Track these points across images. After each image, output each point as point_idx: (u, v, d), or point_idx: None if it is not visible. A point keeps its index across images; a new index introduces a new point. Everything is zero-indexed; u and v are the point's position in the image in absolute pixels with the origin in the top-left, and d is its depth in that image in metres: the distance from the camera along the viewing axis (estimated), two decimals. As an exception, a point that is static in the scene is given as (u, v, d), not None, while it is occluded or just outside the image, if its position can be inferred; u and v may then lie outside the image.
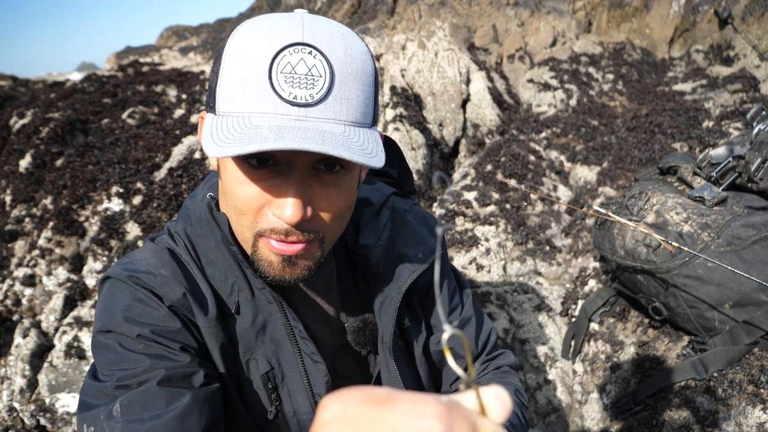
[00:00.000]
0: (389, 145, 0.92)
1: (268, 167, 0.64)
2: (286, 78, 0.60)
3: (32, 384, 2.04)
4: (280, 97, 0.60)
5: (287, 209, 0.63)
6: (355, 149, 0.60)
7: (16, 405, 2.00)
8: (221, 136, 0.59)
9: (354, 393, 0.30)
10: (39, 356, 2.12)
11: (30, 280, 2.35)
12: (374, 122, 0.70)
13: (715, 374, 1.48)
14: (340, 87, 0.61)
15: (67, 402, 1.96)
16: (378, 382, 0.88)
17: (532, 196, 2.98)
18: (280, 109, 0.60)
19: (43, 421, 1.95)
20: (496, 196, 2.97)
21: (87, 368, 2.04)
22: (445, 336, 0.31)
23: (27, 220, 2.67)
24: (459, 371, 0.31)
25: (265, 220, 0.66)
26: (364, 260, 0.85)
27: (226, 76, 0.62)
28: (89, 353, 2.08)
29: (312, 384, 0.79)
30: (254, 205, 0.65)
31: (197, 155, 2.82)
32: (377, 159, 0.62)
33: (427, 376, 0.93)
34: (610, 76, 4.81)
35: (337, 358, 0.88)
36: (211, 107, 0.65)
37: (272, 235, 0.66)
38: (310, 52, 0.60)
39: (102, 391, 0.66)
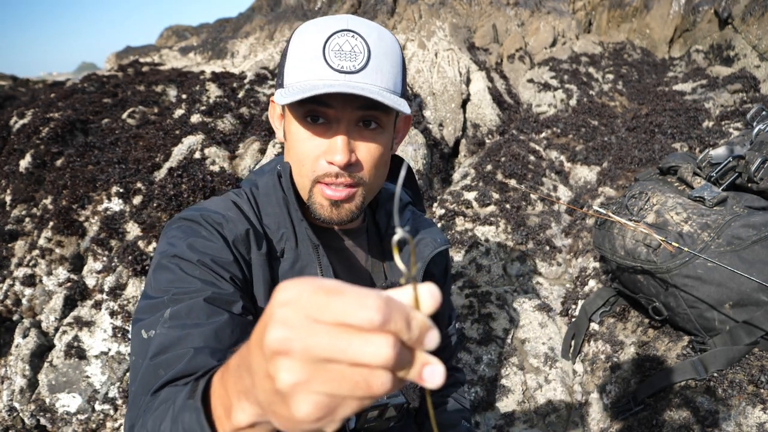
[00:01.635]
0: (401, 166, 1.04)
1: (321, 124, 0.83)
2: (335, 54, 0.81)
3: (32, 384, 2.04)
4: (331, 67, 0.80)
5: (337, 154, 0.81)
6: (388, 99, 0.79)
7: (16, 405, 2.00)
8: (290, 93, 0.79)
9: (308, 281, 0.34)
10: (39, 356, 2.12)
11: (30, 280, 2.35)
12: (403, 95, 0.89)
13: (715, 374, 1.48)
14: (375, 60, 0.82)
15: (67, 402, 1.96)
16: None
17: (532, 196, 2.98)
18: (331, 75, 0.80)
19: (43, 421, 1.95)
20: (496, 196, 2.97)
21: (87, 368, 2.04)
22: (395, 237, 0.36)
23: (27, 220, 2.67)
24: (401, 266, 0.36)
25: (320, 167, 0.84)
26: (391, 235, 1.01)
27: (290, 57, 0.84)
28: (89, 353, 2.08)
29: None
30: (311, 155, 0.84)
31: (197, 155, 2.82)
32: (405, 107, 0.82)
33: (441, 351, 1.09)
34: (610, 76, 4.81)
35: None
36: (280, 84, 0.86)
37: (325, 179, 0.85)
38: (352, 36, 0.82)
39: (156, 306, 0.77)
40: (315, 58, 0.81)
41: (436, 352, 0.98)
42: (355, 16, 0.88)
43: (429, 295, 0.36)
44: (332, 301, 0.33)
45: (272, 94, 0.91)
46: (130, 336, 0.79)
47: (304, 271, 0.91)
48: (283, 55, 0.88)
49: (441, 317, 1.16)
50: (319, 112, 0.82)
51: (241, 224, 0.88)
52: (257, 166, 1.05)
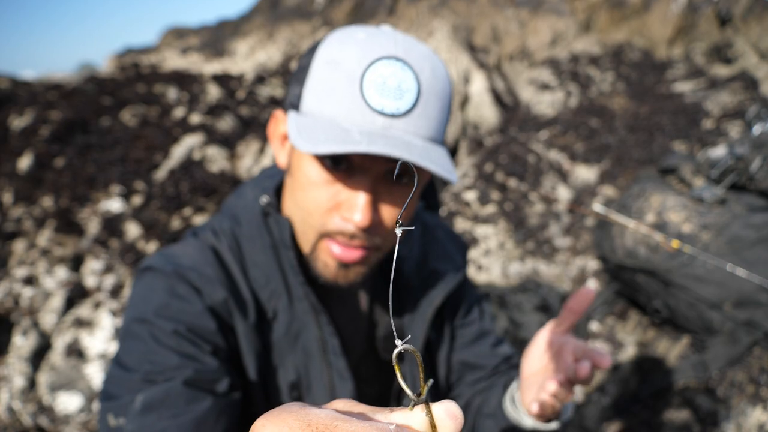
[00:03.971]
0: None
1: (342, 170, 0.66)
2: (377, 88, 0.63)
3: (32, 384, 2.04)
4: (369, 105, 0.63)
5: (357, 212, 0.65)
6: (437, 162, 0.63)
7: (15, 405, 2.00)
8: (312, 135, 0.62)
9: (291, 417, 0.27)
10: (38, 356, 2.12)
11: (30, 280, 2.35)
12: (444, 141, 0.73)
13: (715, 374, 1.48)
14: (424, 103, 0.65)
15: (67, 402, 1.96)
16: (400, 389, 0.89)
17: (533, 196, 2.98)
18: (368, 117, 0.63)
19: (42, 421, 1.95)
20: (496, 196, 2.97)
21: (87, 368, 2.04)
22: (396, 351, 0.30)
23: (27, 220, 2.67)
24: (407, 390, 0.30)
25: (333, 222, 0.68)
26: (398, 270, 0.86)
27: (316, 78, 0.66)
28: (89, 353, 2.08)
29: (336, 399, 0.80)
30: (324, 206, 0.67)
31: (197, 155, 2.82)
32: (454, 175, 0.64)
33: (444, 385, 0.94)
34: (610, 76, 4.81)
35: (362, 363, 0.88)
36: (293, 106, 0.68)
37: (338, 237, 0.68)
38: (401, 67, 0.64)
39: (128, 383, 0.67)
40: (350, 88, 0.63)
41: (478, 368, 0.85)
42: (404, 34, 0.69)
43: (447, 416, 0.30)
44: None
45: (274, 106, 0.77)
46: (98, 412, 0.69)
47: (300, 335, 0.78)
48: (303, 67, 0.69)
49: (480, 334, 0.95)
50: (346, 156, 0.65)
51: (221, 288, 0.73)
52: (252, 177, 0.89)
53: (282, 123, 0.74)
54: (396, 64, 0.64)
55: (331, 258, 0.71)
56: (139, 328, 0.70)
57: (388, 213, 0.68)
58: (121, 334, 0.72)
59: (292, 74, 0.72)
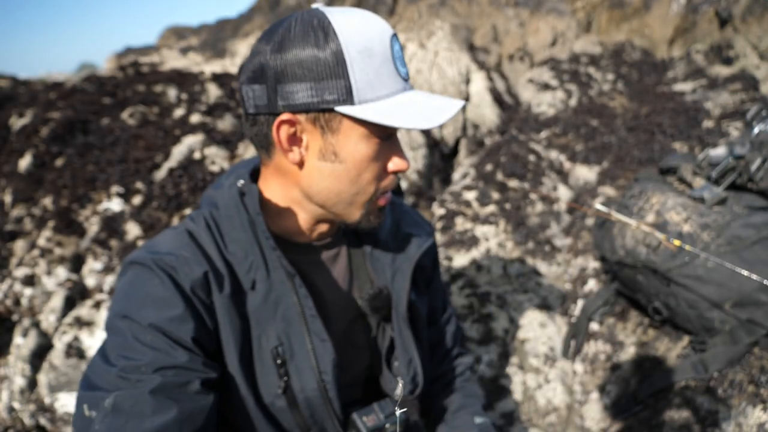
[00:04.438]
0: None
1: (386, 142, 0.80)
2: (398, 61, 0.77)
3: (32, 384, 2.04)
4: (402, 77, 0.78)
5: (406, 161, 0.82)
6: (453, 101, 0.81)
7: (15, 405, 2.00)
8: (404, 114, 0.73)
9: None
10: (39, 356, 2.12)
11: (30, 280, 2.35)
12: None
13: (715, 374, 1.48)
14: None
15: (67, 402, 1.96)
16: (390, 350, 0.96)
17: (532, 196, 2.98)
18: (401, 85, 0.78)
19: (42, 421, 1.95)
20: (496, 196, 2.97)
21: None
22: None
23: (27, 220, 2.67)
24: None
25: (386, 180, 0.83)
26: (374, 239, 0.96)
27: (359, 70, 0.73)
28: (89, 353, 2.08)
29: (319, 362, 0.83)
30: (379, 171, 0.81)
31: (197, 155, 2.82)
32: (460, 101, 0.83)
33: (427, 347, 1.03)
34: (610, 76, 4.81)
35: (351, 329, 0.94)
36: (339, 102, 0.74)
37: (389, 188, 0.84)
38: (397, 39, 0.78)
39: (106, 375, 0.71)
40: (389, 68, 0.76)
41: (435, 347, 1.01)
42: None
43: None
44: None
45: (275, 113, 0.78)
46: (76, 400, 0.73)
47: (279, 303, 0.83)
48: (340, 64, 0.73)
49: (434, 310, 1.11)
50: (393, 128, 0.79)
51: (198, 266, 0.78)
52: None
53: (295, 124, 0.77)
54: (395, 37, 0.77)
55: (379, 210, 0.85)
56: (121, 323, 0.74)
57: None
58: (105, 327, 0.77)
59: (285, 76, 0.74)
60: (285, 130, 0.77)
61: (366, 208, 0.83)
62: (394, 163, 0.82)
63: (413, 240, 0.98)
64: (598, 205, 1.74)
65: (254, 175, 0.92)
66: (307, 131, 0.77)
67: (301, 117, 0.76)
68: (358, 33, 0.73)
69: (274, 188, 0.86)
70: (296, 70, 0.73)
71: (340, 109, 0.74)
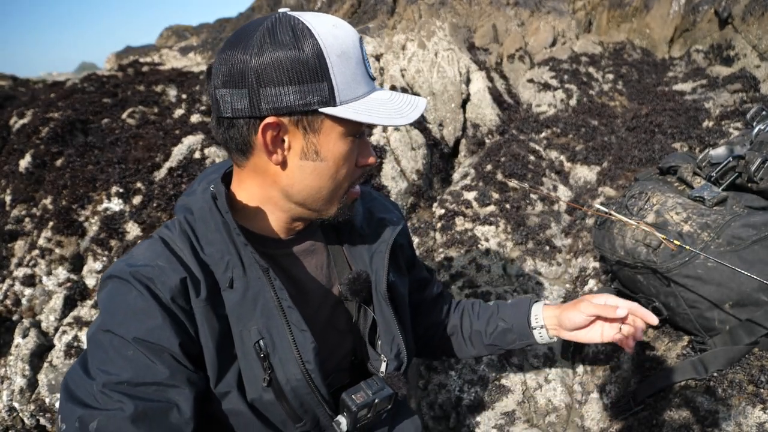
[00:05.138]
0: None
1: (360, 138, 0.86)
2: (366, 62, 0.83)
3: (32, 384, 2.04)
4: (369, 75, 0.83)
5: (371, 155, 0.89)
6: (419, 101, 0.88)
7: (16, 405, 2.01)
8: (381, 113, 0.80)
9: None
10: (39, 356, 2.12)
11: (30, 280, 2.35)
12: None
13: (715, 374, 1.48)
14: None
15: (67, 402, 1.96)
16: (373, 330, 1.01)
17: (532, 196, 2.98)
18: (371, 84, 0.83)
19: (43, 421, 1.95)
20: (496, 196, 2.97)
21: (87, 368, 2.04)
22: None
23: (27, 220, 2.67)
24: None
25: (356, 173, 0.88)
26: (350, 226, 1.01)
27: (339, 73, 0.77)
28: (89, 353, 2.08)
29: (301, 352, 0.86)
30: (353, 166, 0.87)
31: (197, 155, 2.82)
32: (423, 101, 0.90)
33: (409, 324, 1.08)
34: (610, 76, 4.81)
35: (333, 316, 0.99)
36: (323, 103, 0.78)
37: (358, 181, 0.90)
38: (363, 40, 0.83)
39: (88, 388, 0.73)
40: (363, 70, 0.81)
41: (439, 305, 1.29)
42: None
43: None
44: None
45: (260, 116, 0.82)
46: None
47: (258, 299, 0.85)
48: (322, 67, 0.76)
49: (423, 280, 1.25)
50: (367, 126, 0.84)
51: (174, 273, 0.79)
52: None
53: (278, 126, 0.80)
54: (361, 39, 0.82)
55: (352, 201, 0.91)
56: (102, 337, 0.76)
57: None
58: (88, 339, 0.78)
59: (267, 80, 0.76)
60: (270, 133, 0.79)
61: (341, 202, 0.89)
62: (363, 158, 0.88)
63: (387, 224, 1.03)
64: (597, 205, 1.74)
65: (227, 179, 0.96)
66: (290, 132, 0.80)
67: (285, 119, 0.79)
68: (335, 37, 0.77)
69: (250, 189, 0.89)
70: (280, 73, 0.74)
71: (324, 110, 0.78)
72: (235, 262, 0.85)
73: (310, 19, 0.77)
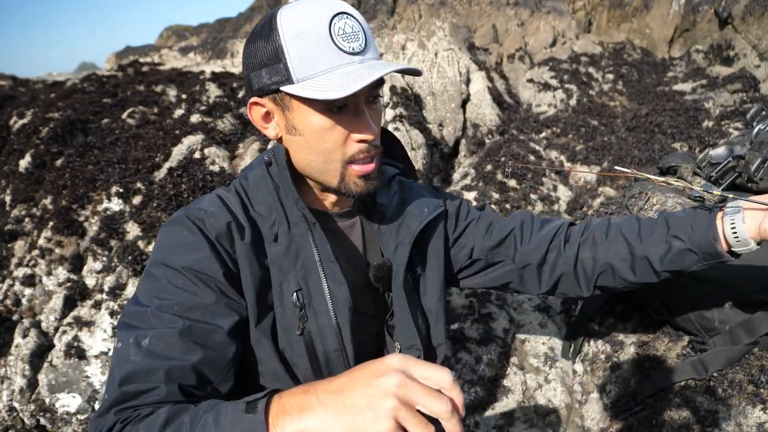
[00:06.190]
0: (393, 141, 1.13)
1: (344, 113, 0.85)
2: (343, 38, 0.82)
3: (32, 384, 2.04)
4: (344, 51, 0.82)
5: (370, 131, 0.86)
6: (401, 64, 0.87)
7: (16, 405, 2.01)
8: (328, 86, 0.79)
9: (405, 359, 0.55)
10: (39, 356, 2.12)
11: (30, 280, 2.35)
12: None
13: (715, 374, 1.48)
14: (369, 36, 0.87)
15: (67, 402, 1.96)
16: (391, 318, 1.04)
17: (532, 196, 2.98)
18: (346, 59, 0.83)
19: (43, 421, 1.95)
20: (496, 196, 2.97)
21: (87, 368, 2.04)
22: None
23: (27, 220, 2.67)
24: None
25: (352, 148, 0.88)
26: (381, 215, 1.04)
27: (294, 52, 0.82)
28: (89, 353, 2.09)
29: (334, 305, 0.91)
30: (341, 141, 0.87)
31: (197, 155, 2.82)
32: (417, 69, 0.89)
33: (435, 320, 1.07)
34: (610, 76, 4.81)
35: (358, 297, 1.00)
36: (282, 82, 0.83)
37: (358, 156, 0.88)
38: (348, 17, 0.84)
39: (141, 315, 0.79)
40: (325, 47, 0.81)
41: (548, 236, 1.18)
42: None
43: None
44: (421, 369, 0.54)
45: (251, 96, 0.91)
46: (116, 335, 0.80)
47: (300, 254, 0.91)
48: (273, 50, 0.84)
49: (507, 240, 1.13)
50: (344, 100, 0.83)
51: (222, 218, 0.88)
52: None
53: (262, 105, 0.89)
54: (345, 16, 0.83)
55: (358, 176, 0.90)
56: (156, 270, 0.83)
57: (376, 122, 0.91)
58: (142, 277, 0.85)
59: (252, 65, 0.87)
60: (257, 111, 0.90)
61: (340, 175, 0.90)
62: (358, 133, 0.88)
63: (416, 215, 1.05)
64: (618, 167, 1.74)
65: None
66: (274, 110, 0.89)
67: (266, 99, 0.88)
68: (296, 18, 0.82)
69: (301, 158, 0.94)
70: (255, 59, 0.86)
71: (283, 88, 0.84)
72: (281, 219, 0.92)
73: (287, 8, 0.84)
